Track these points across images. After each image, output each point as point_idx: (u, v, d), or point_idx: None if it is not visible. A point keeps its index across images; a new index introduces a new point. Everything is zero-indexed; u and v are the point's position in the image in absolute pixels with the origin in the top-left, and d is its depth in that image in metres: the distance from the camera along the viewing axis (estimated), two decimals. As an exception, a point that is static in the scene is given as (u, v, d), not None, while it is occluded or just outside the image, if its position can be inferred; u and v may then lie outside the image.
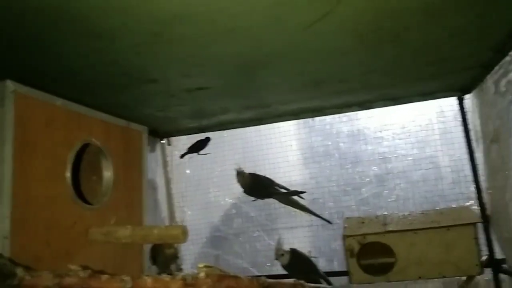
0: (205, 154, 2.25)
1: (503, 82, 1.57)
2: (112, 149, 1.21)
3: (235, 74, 1.50)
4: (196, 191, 2.36)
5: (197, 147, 2.22)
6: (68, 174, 1.00)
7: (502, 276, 1.87)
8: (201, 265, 0.82)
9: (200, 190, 2.37)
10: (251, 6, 1.01)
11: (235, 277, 0.80)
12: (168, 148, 2.32)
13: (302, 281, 0.87)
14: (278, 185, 2.07)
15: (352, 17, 1.12)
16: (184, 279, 0.74)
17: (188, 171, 2.36)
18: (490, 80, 1.68)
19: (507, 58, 1.50)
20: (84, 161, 1.17)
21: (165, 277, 0.74)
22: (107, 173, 1.18)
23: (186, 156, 2.24)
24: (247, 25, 1.12)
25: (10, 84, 0.91)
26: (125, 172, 1.27)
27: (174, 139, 2.32)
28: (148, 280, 0.71)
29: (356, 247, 1.82)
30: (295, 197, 2.05)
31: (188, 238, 2.24)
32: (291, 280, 0.90)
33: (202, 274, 0.76)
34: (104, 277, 0.70)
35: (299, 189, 2.09)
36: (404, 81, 1.76)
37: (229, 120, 2.14)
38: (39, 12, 0.95)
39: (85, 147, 1.15)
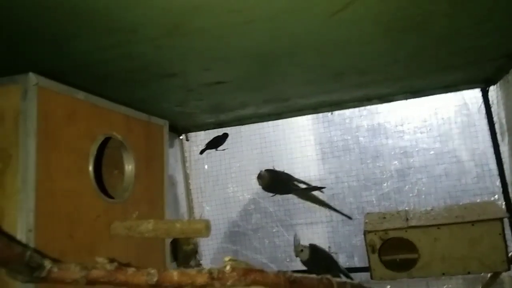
0: (223, 149, 2.25)
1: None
2: (133, 143, 1.21)
3: (254, 67, 1.48)
4: (214, 187, 2.36)
5: (215, 143, 2.22)
6: (90, 167, 1.00)
7: (529, 272, 1.82)
8: (227, 259, 0.81)
9: (218, 186, 2.37)
10: (271, -4, 0.99)
11: (261, 271, 0.79)
12: (186, 143, 2.32)
13: (328, 276, 0.85)
14: (297, 180, 2.06)
15: (375, 5, 1.09)
16: (210, 272, 0.72)
17: (206, 167, 2.35)
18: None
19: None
20: (106, 155, 1.16)
21: (191, 270, 0.73)
22: (129, 167, 1.18)
23: (205, 152, 2.24)
24: (267, 15, 1.09)
25: (33, 77, 0.91)
26: (147, 166, 1.26)
27: (192, 135, 2.32)
28: (174, 274, 0.70)
29: (378, 243, 1.79)
30: (315, 193, 2.03)
31: (208, 233, 2.26)
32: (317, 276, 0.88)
33: (228, 268, 0.74)
34: (131, 270, 0.69)
35: (318, 184, 2.07)
36: (427, 72, 1.72)
37: (247, 115, 2.13)
38: (59, 6, 0.94)
39: (106, 140, 1.14)
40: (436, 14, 1.19)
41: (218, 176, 2.34)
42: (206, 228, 0.92)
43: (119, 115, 1.20)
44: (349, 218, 2.01)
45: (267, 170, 2.03)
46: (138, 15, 1.02)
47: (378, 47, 1.38)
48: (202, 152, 2.23)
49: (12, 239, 0.64)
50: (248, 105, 1.94)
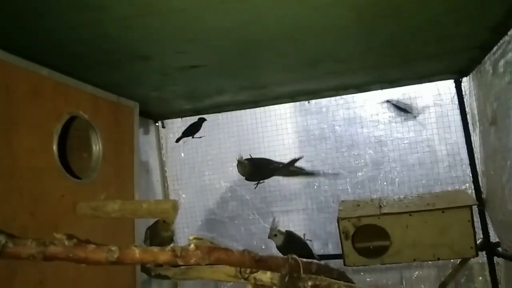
0: (200, 137, 2.23)
1: (501, 63, 1.55)
2: (101, 123, 1.19)
3: (231, 51, 1.46)
4: (191, 174, 2.34)
5: (191, 130, 2.20)
6: (54, 146, 0.98)
7: (497, 259, 1.87)
8: (191, 237, 0.80)
9: (195, 174, 2.35)
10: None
11: (226, 250, 0.78)
12: (162, 131, 2.29)
13: (295, 255, 0.86)
14: (275, 162, 2.06)
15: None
16: (173, 250, 0.72)
17: (183, 154, 2.33)
18: (488, 61, 1.66)
19: (506, 38, 1.47)
20: (73, 136, 1.14)
21: (154, 248, 0.72)
22: (96, 148, 1.16)
23: (181, 140, 2.22)
24: (241, -1, 1.08)
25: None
26: (115, 148, 1.25)
27: (168, 122, 2.30)
28: (136, 251, 0.69)
29: (351, 230, 1.81)
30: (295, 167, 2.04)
31: (182, 218, 2.24)
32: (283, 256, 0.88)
33: (192, 246, 0.74)
34: (91, 246, 0.68)
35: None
36: (402, 62, 1.73)
37: (224, 102, 2.12)
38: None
39: (72, 120, 1.12)
40: (408, 2, 1.20)
41: (194, 164, 2.33)
42: (173, 208, 0.92)
43: (87, 94, 1.17)
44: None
45: (246, 159, 2.03)
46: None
47: (353, 33, 1.38)
48: (178, 140, 2.21)
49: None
50: (224, 92, 1.93)
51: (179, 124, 2.27)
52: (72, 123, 1.11)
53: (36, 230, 0.86)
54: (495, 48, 1.57)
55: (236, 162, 2.00)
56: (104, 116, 1.22)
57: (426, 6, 1.23)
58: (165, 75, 1.61)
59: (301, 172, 2.03)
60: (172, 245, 0.73)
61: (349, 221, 1.81)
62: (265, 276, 0.88)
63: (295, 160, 2.01)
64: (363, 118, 2.11)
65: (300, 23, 1.27)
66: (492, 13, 1.33)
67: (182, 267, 1.04)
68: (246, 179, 2.07)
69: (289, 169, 2.03)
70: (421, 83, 1.99)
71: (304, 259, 0.88)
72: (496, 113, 1.62)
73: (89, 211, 0.98)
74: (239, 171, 2.04)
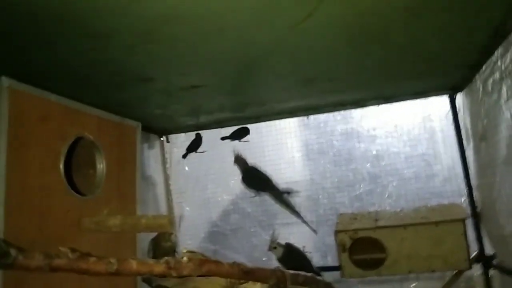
0: (202, 152, 2.31)
1: (490, 81, 1.61)
2: (105, 143, 1.27)
3: (229, 72, 1.54)
4: (194, 188, 2.42)
5: (193, 146, 2.28)
6: (61, 165, 1.06)
7: (492, 271, 1.90)
8: (184, 250, 0.87)
9: (198, 187, 2.43)
10: (237, 5, 1.06)
11: (216, 262, 0.85)
12: (167, 145, 2.37)
13: (281, 268, 0.92)
14: (274, 183, 2.12)
15: (336, 17, 1.16)
16: (167, 262, 0.79)
17: (186, 168, 2.41)
18: (478, 79, 1.72)
19: (493, 58, 1.53)
20: (78, 155, 1.22)
21: (150, 260, 0.79)
22: (100, 166, 1.24)
23: (185, 155, 2.30)
24: (235, 24, 1.16)
25: (5, 80, 0.97)
26: (118, 166, 1.33)
27: (172, 137, 2.38)
28: (133, 263, 0.76)
29: (348, 242, 1.87)
30: (288, 198, 2.10)
31: (185, 230, 2.31)
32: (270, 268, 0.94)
33: (185, 259, 0.81)
34: (92, 259, 0.75)
35: (294, 187, 2.13)
36: (394, 79, 1.80)
37: (226, 118, 2.20)
38: (38, 11, 1.00)
39: (78, 140, 1.20)
40: (397, 25, 1.27)
41: (198, 178, 2.40)
42: (169, 222, 0.99)
43: (91, 116, 1.26)
44: (314, 232, 2.08)
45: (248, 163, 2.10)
46: (114, 21, 1.09)
47: (343, 55, 1.45)
48: (185, 156, 2.29)
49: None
50: (226, 109, 2.01)
51: (182, 139, 2.35)
52: (78, 143, 1.19)
53: (43, 243, 0.93)
54: (484, 67, 1.63)
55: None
56: (107, 137, 1.30)
57: (412, 31, 1.30)
58: (168, 95, 1.69)
59: (290, 207, 2.09)
60: (166, 258, 0.80)
61: (346, 233, 1.87)
62: (255, 287, 0.95)
63: (289, 192, 2.07)
64: (360, 133, 2.17)
65: (292, 47, 1.35)
66: (477, 34, 1.39)
67: (180, 278, 1.10)
68: (242, 178, 2.12)
69: (282, 197, 2.09)
70: (415, 98, 2.05)
71: (291, 271, 0.95)
72: (486, 129, 1.67)
73: (92, 225, 1.06)
74: (236, 165, 2.10)
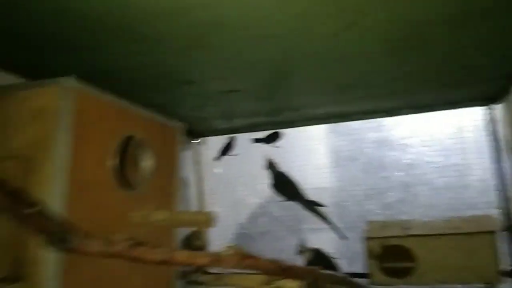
0: (234, 155, 2.36)
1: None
2: (151, 142, 1.34)
3: (266, 78, 1.60)
4: (225, 190, 2.47)
5: (226, 149, 2.34)
6: (113, 162, 1.13)
7: (525, 286, 1.87)
8: (226, 245, 0.92)
9: (228, 189, 2.48)
10: (282, 14, 1.11)
11: (256, 257, 0.89)
12: (200, 147, 2.44)
13: (317, 267, 0.95)
14: (303, 192, 2.15)
15: (378, 26, 1.20)
16: (214, 255, 0.83)
17: (218, 171, 2.47)
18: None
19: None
20: (128, 153, 1.29)
21: (197, 252, 0.84)
22: (147, 164, 1.31)
23: (217, 157, 2.36)
24: (279, 33, 1.21)
25: (73, 81, 1.05)
26: (163, 164, 1.39)
27: (206, 139, 2.44)
28: (180, 253, 0.82)
29: (377, 250, 1.87)
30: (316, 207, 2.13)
31: (215, 231, 2.36)
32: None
33: (229, 252, 0.85)
34: (146, 248, 0.80)
35: (323, 193, 2.16)
36: (430, 88, 1.81)
37: (258, 122, 2.24)
38: (93, 16, 1.08)
39: (129, 139, 1.27)
40: (435, 37, 1.29)
41: (228, 180, 2.46)
42: (209, 219, 1.04)
43: (140, 117, 1.33)
44: (345, 237, 2.09)
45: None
46: (164, 27, 1.16)
47: (381, 64, 1.48)
48: (217, 158, 2.35)
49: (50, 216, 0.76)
50: (259, 113, 2.05)
51: (216, 142, 2.41)
52: (129, 142, 1.26)
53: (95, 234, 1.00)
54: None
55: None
56: (154, 136, 1.37)
57: (450, 42, 1.32)
58: (206, 97, 1.76)
59: (320, 215, 2.12)
60: (212, 251, 0.85)
61: (375, 241, 1.88)
62: (289, 285, 0.98)
63: (318, 204, 2.10)
64: (392, 141, 2.18)
65: (331, 54, 1.39)
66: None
67: (215, 274, 1.15)
68: (272, 184, 2.17)
69: (311, 206, 2.12)
70: (450, 108, 2.05)
71: (325, 271, 0.98)
72: None
73: (139, 219, 1.12)
74: (268, 171, 2.17)
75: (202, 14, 1.09)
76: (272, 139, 2.28)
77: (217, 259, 0.84)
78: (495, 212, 1.96)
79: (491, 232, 1.73)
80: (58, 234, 0.72)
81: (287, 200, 2.21)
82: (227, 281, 1.08)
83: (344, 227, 2.20)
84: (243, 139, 2.34)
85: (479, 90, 1.86)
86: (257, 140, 2.30)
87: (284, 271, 0.90)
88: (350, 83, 1.69)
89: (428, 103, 2.03)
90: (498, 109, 1.97)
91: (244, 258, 0.86)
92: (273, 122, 2.25)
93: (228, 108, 1.94)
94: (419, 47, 1.36)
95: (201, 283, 1.24)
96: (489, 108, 2.00)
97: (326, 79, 1.63)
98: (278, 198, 2.23)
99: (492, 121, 2.00)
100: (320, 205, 2.11)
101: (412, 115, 2.11)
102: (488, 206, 1.98)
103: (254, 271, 0.89)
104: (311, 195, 2.17)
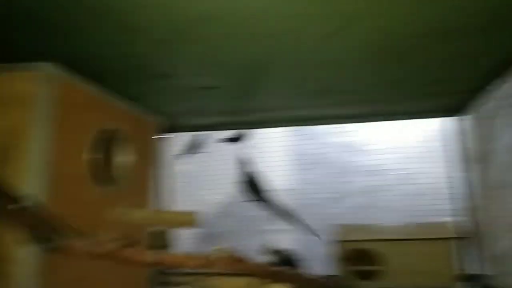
0: (200, 153, 2.31)
1: (489, 107, 1.69)
2: (130, 136, 1.27)
3: (244, 77, 1.57)
4: (189, 188, 2.41)
5: (192, 147, 2.29)
6: (89, 155, 1.06)
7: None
8: (215, 248, 0.89)
9: (193, 188, 2.42)
10: (273, 13, 1.09)
11: (247, 261, 0.87)
12: (168, 143, 2.35)
13: (300, 271, 0.95)
14: (270, 194, 2.15)
15: (362, 35, 1.22)
16: (207, 257, 0.80)
17: (183, 168, 2.40)
18: (478, 104, 1.80)
19: (492, 86, 1.62)
20: (106, 146, 1.22)
21: (184, 253, 0.81)
22: (125, 158, 1.24)
23: (183, 155, 2.30)
24: (264, 32, 1.20)
25: (53, 67, 0.97)
26: (140, 159, 1.33)
27: (174, 135, 2.36)
28: (172, 256, 0.78)
29: (345, 253, 1.91)
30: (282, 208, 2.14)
31: (180, 230, 2.29)
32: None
33: (225, 255, 0.82)
34: (133, 249, 0.75)
35: (286, 195, 2.18)
36: (402, 98, 1.86)
37: (229, 121, 2.21)
38: (78, 2, 1.00)
39: (108, 132, 1.20)
40: (415, 48, 1.33)
41: (193, 179, 2.40)
42: (194, 219, 1.00)
43: (120, 109, 1.26)
44: (317, 236, 2.11)
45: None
46: (146, 18, 1.10)
47: (360, 71, 1.51)
48: (181, 156, 2.29)
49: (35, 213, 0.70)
50: (231, 112, 2.02)
51: (183, 138, 2.35)
52: (108, 135, 1.19)
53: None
54: (484, 93, 1.71)
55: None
56: (133, 130, 1.30)
57: (430, 51, 1.36)
58: (179, 93, 1.70)
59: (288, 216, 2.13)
60: (207, 253, 0.82)
61: (347, 244, 1.92)
62: (277, 288, 0.97)
63: (286, 212, 2.11)
64: (355, 147, 2.23)
65: (313, 58, 1.39)
66: (484, 61, 1.47)
67: (194, 275, 1.12)
68: (242, 183, 2.15)
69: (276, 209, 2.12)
70: (413, 118, 2.13)
71: (312, 275, 0.97)
72: (482, 152, 1.76)
73: (117, 216, 1.05)
74: (240, 170, 2.15)
75: (188, 7, 1.05)
76: (237, 139, 2.25)
77: (209, 261, 0.81)
78: (454, 220, 2.05)
79: (448, 239, 1.82)
80: (44, 233, 0.66)
81: (254, 200, 2.20)
82: (208, 283, 1.05)
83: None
84: (212, 137, 2.30)
85: (445, 101, 1.94)
86: (225, 140, 2.27)
87: (273, 275, 0.89)
88: (326, 88, 1.70)
89: (394, 112, 2.10)
90: (459, 120, 2.06)
91: (235, 261, 0.83)
92: (242, 122, 2.22)
93: (202, 105, 1.89)
94: (399, 58, 1.40)
95: (177, 284, 1.19)
96: (454, 120, 2.09)
97: (304, 82, 1.64)
98: (244, 198, 2.21)
99: (458, 132, 2.08)
100: (285, 210, 2.12)
101: (379, 122, 2.17)
102: (447, 214, 2.07)
103: (242, 274, 0.87)
104: (275, 197, 2.17)
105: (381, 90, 1.72)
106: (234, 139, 2.25)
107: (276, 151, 2.34)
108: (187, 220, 1.01)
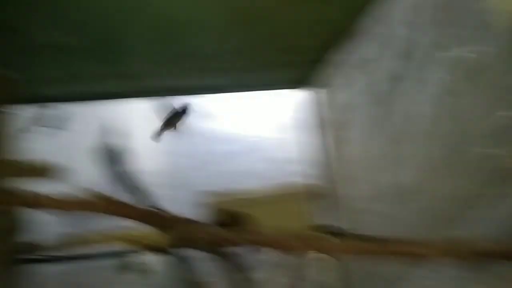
0: (48, 127, 2.12)
1: (340, 76, 1.92)
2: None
3: (101, 33, 1.49)
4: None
5: (42, 120, 2.08)
6: None
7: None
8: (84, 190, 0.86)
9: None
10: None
11: (124, 203, 0.87)
12: (12, 117, 2.08)
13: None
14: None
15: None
16: (79, 200, 0.78)
17: (31, 145, 2.16)
18: (328, 74, 2.04)
19: (336, 57, 1.85)
20: None
21: (63, 196, 0.77)
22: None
23: (32, 129, 2.08)
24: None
25: None
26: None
27: (23, 107, 2.10)
28: (45, 197, 0.73)
29: (222, 217, 1.98)
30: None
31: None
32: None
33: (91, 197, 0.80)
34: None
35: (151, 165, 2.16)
36: (255, 67, 2.00)
37: (87, 92, 2.08)
38: None
39: None
40: (266, 10, 1.42)
41: (46, 155, 2.19)
42: (47, 168, 0.92)
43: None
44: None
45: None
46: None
47: (219, 35, 1.57)
48: (28, 130, 2.07)
49: None
50: (91, 78, 1.90)
51: (35, 112, 2.12)
52: None
53: None
54: (329, 63, 1.95)
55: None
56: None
57: (275, 19, 1.49)
58: (32, 53, 1.54)
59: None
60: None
61: (218, 209, 1.99)
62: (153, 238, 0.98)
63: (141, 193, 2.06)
64: (215, 117, 2.33)
65: (167, 16, 1.39)
66: (322, 32, 1.65)
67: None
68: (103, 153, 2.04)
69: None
70: (268, 89, 2.32)
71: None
72: (341, 120, 2.01)
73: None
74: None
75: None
76: (185, 111, 2.09)
77: (84, 203, 0.79)
78: (312, 182, 2.28)
79: (302, 198, 2.06)
80: None
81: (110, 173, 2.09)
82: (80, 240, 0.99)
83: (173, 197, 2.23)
84: (65, 111, 2.13)
85: (293, 72, 2.14)
86: (170, 113, 2.08)
87: (150, 217, 0.90)
88: (184, 52, 1.72)
89: (250, 83, 2.24)
90: (320, 92, 2.28)
91: (111, 203, 0.82)
92: (100, 92, 2.11)
93: (59, 69, 1.73)
94: (255, 19, 1.48)
95: (41, 260, 1.09)
96: (302, 90, 2.32)
97: (163, 45, 1.63)
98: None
99: (313, 103, 2.32)
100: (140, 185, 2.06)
101: (236, 93, 2.30)
102: (294, 176, 2.30)
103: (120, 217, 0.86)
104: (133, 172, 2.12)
105: (234, 57, 1.81)
106: (179, 113, 2.11)
107: (138, 123, 2.28)
108: (40, 169, 0.93)
